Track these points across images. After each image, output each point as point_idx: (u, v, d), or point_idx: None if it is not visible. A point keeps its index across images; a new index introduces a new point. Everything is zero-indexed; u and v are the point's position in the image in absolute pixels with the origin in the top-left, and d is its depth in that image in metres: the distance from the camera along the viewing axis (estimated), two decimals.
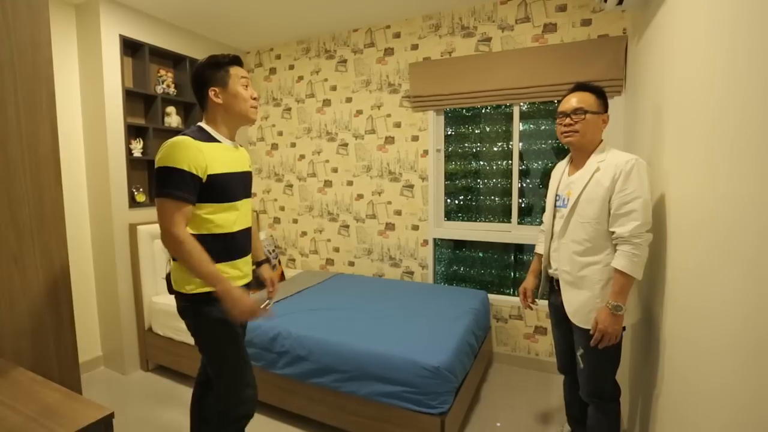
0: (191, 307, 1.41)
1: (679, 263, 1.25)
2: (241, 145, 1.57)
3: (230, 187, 1.41)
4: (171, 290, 1.45)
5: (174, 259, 1.41)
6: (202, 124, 1.45)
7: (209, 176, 1.34)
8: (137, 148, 2.79)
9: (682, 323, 1.20)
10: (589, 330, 1.48)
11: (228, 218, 1.42)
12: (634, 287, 1.47)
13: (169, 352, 2.66)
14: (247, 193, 1.53)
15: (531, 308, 1.84)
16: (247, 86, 1.45)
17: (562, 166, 1.71)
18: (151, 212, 2.88)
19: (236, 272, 1.47)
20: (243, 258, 1.51)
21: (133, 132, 2.81)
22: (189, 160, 1.29)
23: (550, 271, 1.69)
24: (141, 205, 2.81)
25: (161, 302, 2.70)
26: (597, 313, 1.46)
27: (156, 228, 2.80)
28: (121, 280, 2.69)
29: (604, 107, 1.54)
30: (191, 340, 2.50)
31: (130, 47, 2.79)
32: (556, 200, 1.67)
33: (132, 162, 2.78)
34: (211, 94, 1.40)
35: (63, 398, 1.05)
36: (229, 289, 1.31)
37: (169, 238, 1.30)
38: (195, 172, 1.31)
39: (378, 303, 2.53)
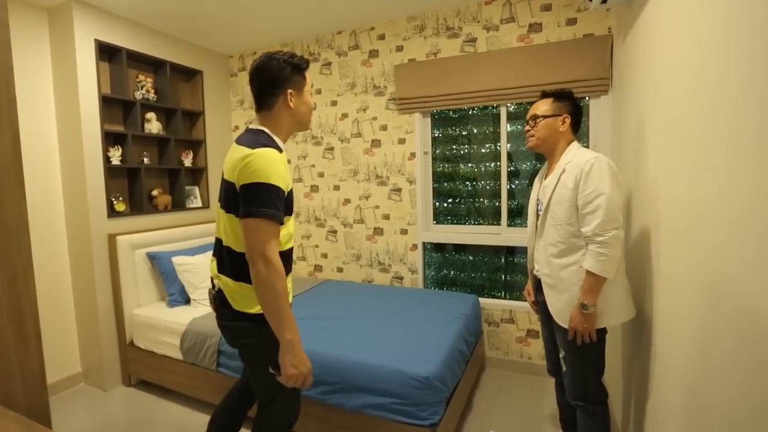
0: (252, 327, 1.33)
1: (672, 261, 1.22)
2: None
3: (293, 201, 1.35)
4: (223, 308, 1.36)
5: (237, 279, 1.31)
6: (266, 130, 1.34)
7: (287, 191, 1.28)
8: (116, 155, 2.70)
9: (674, 324, 1.17)
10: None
11: (286, 234, 1.34)
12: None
13: (151, 366, 2.57)
14: None
15: (537, 310, 1.82)
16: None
17: (543, 170, 1.73)
18: (131, 222, 2.79)
19: (289, 286, 1.40)
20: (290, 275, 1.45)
21: (111, 139, 2.73)
22: (281, 176, 1.23)
23: (534, 271, 1.71)
24: (120, 215, 2.72)
25: (143, 314, 2.61)
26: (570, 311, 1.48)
27: (136, 238, 2.72)
28: (100, 292, 2.60)
29: (564, 109, 1.56)
30: (174, 354, 2.45)
31: (107, 52, 2.70)
32: (537, 204, 1.69)
33: (110, 170, 2.69)
34: (288, 96, 1.33)
35: (22, 429, 0.97)
36: (299, 341, 1.24)
37: (263, 263, 1.19)
38: (285, 189, 1.25)
39: (366, 310, 2.47)
